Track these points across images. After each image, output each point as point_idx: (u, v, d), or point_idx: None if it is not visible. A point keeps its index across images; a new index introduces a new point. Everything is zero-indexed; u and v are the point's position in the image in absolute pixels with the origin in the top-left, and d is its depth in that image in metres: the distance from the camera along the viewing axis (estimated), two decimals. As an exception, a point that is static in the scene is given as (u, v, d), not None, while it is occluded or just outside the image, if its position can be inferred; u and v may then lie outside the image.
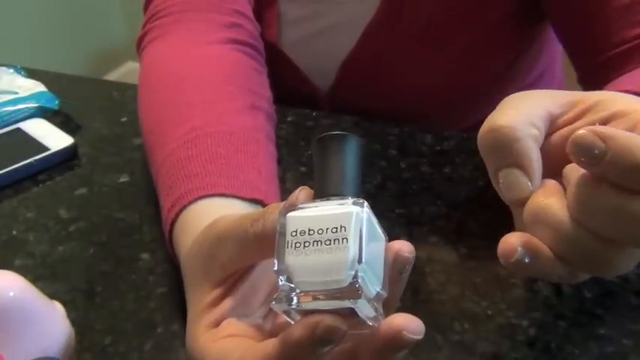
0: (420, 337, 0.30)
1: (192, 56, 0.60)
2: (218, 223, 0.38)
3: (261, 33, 0.68)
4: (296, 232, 0.31)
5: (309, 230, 0.30)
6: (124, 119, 0.69)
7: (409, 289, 0.46)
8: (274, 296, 0.31)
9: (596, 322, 0.44)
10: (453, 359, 0.42)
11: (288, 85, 0.59)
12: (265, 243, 0.34)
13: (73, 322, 0.39)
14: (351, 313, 0.30)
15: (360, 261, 0.29)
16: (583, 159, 0.29)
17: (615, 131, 0.29)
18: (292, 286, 0.30)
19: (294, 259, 0.30)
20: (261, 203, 0.45)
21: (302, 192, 0.33)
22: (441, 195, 0.55)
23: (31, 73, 0.76)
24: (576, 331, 0.43)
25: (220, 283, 0.36)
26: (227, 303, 0.36)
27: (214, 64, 0.58)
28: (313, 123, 0.67)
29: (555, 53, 0.83)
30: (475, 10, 0.68)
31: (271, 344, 0.32)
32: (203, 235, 0.39)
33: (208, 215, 0.42)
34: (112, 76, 2.55)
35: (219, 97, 0.54)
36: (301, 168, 0.60)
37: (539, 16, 0.71)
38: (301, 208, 0.32)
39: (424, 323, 0.44)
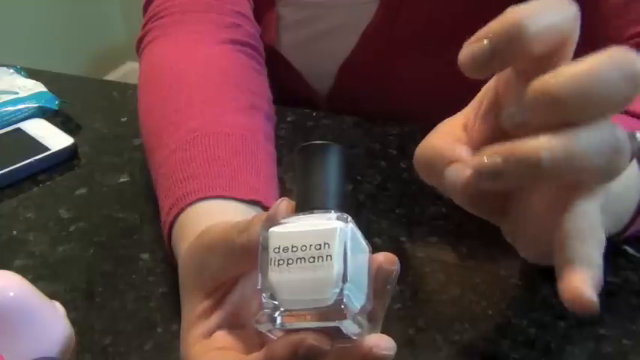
0: (390, 352, 0.31)
1: (192, 56, 0.59)
2: (207, 233, 0.38)
3: (260, 35, 0.68)
4: (279, 248, 0.30)
5: (292, 247, 0.30)
6: (124, 119, 0.69)
7: (409, 289, 0.47)
8: (257, 315, 0.30)
9: (596, 322, 0.44)
10: (453, 359, 0.42)
11: (287, 88, 0.59)
12: (251, 254, 0.33)
13: (73, 322, 0.39)
14: (336, 330, 0.30)
15: (345, 280, 0.29)
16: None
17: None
18: (276, 303, 0.30)
19: (277, 276, 0.30)
20: (260, 205, 0.45)
21: (282, 204, 0.32)
22: (440, 195, 0.55)
23: (31, 73, 0.76)
24: (576, 331, 0.43)
25: (211, 294, 0.36)
26: (218, 314, 0.36)
27: (214, 64, 0.58)
28: (313, 123, 0.67)
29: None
30: (473, 12, 0.68)
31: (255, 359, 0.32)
32: (194, 243, 0.38)
33: (207, 217, 0.42)
34: (112, 76, 2.55)
35: (218, 98, 0.54)
36: (301, 168, 0.60)
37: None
38: (284, 223, 0.31)
39: (424, 323, 0.44)
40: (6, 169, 0.59)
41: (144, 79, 0.60)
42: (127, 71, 2.58)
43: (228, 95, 0.55)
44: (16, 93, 0.70)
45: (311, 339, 0.29)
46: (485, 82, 0.66)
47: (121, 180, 0.59)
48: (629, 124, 0.44)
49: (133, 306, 0.46)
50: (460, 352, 0.42)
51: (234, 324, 0.36)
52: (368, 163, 0.60)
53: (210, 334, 0.36)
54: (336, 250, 0.29)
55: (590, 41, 0.59)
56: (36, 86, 0.71)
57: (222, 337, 0.36)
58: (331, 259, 0.29)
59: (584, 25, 0.61)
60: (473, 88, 0.80)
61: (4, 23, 2.05)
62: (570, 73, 0.30)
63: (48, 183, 0.60)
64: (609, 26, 0.57)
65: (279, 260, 0.30)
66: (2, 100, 0.68)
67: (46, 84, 0.72)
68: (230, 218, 0.39)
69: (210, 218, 0.41)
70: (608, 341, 0.42)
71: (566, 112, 0.30)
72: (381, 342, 0.31)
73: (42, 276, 0.49)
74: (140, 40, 0.66)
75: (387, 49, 0.70)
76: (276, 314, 0.30)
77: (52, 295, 0.39)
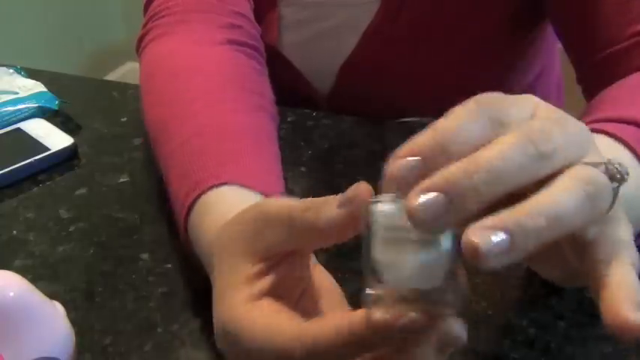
0: (463, 337, 0.31)
1: (197, 54, 0.60)
2: (266, 204, 0.37)
3: (261, 35, 0.68)
4: (386, 228, 0.30)
5: (400, 228, 0.30)
6: (124, 119, 0.69)
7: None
8: (364, 290, 0.30)
9: (596, 322, 0.44)
10: (453, 359, 0.42)
11: (287, 88, 0.59)
12: (315, 234, 0.34)
13: (73, 322, 0.39)
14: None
15: (453, 266, 0.29)
16: None
17: None
18: (380, 281, 0.30)
19: (383, 255, 0.30)
20: None
21: (362, 187, 0.33)
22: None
23: (31, 73, 0.76)
24: (576, 331, 0.43)
25: (263, 260, 0.36)
26: (269, 279, 0.36)
27: (219, 64, 0.59)
28: (313, 123, 0.67)
29: (554, 53, 0.83)
30: (474, 13, 0.68)
31: (342, 322, 0.31)
32: (247, 213, 0.38)
33: (233, 200, 0.43)
34: (112, 76, 2.55)
35: (226, 97, 0.55)
36: (301, 168, 0.60)
37: (538, 16, 0.71)
38: (384, 202, 0.31)
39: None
40: (6, 169, 0.59)
41: (146, 77, 0.60)
42: (127, 71, 2.58)
43: (234, 95, 0.55)
44: (16, 93, 0.70)
45: (413, 314, 0.29)
46: (487, 84, 0.65)
47: (121, 180, 0.59)
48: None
49: (133, 306, 0.46)
50: (460, 352, 0.42)
51: (280, 294, 0.36)
52: (368, 163, 0.60)
53: (259, 297, 0.35)
54: (446, 235, 0.30)
55: (591, 41, 0.59)
56: (36, 86, 0.71)
57: (269, 303, 0.35)
58: (440, 245, 0.29)
59: (584, 26, 0.61)
60: (473, 88, 0.80)
61: (4, 23, 2.05)
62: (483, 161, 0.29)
63: (48, 183, 0.60)
64: (610, 24, 0.57)
65: (386, 239, 0.30)
66: (2, 100, 0.68)
67: (45, 84, 0.72)
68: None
69: (235, 201, 0.41)
70: (608, 341, 0.42)
71: (482, 199, 0.29)
72: (455, 325, 0.31)
73: (42, 276, 0.49)
74: (141, 39, 0.66)
75: (387, 49, 0.70)
76: (379, 292, 0.30)
77: (52, 295, 0.39)
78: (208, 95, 0.54)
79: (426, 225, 0.28)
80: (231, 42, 0.62)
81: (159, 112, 0.55)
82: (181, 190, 0.47)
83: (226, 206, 0.42)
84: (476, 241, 0.27)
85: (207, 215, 0.44)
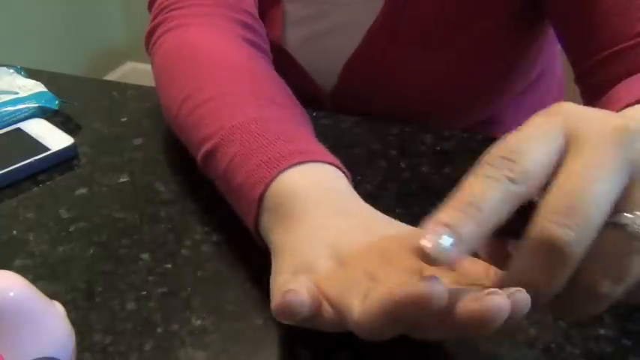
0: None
1: (222, 47, 0.60)
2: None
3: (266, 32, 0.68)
4: None
5: None
6: (124, 119, 0.69)
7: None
8: None
9: (597, 322, 0.44)
10: (453, 359, 0.42)
11: (291, 85, 0.59)
12: None
13: (73, 322, 0.39)
14: None
15: None
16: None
17: None
18: None
19: None
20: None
21: None
22: (440, 195, 0.55)
23: (31, 73, 0.76)
24: (576, 331, 0.43)
25: None
26: None
27: (242, 58, 0.59)
28: (313, 123, 0.67)
29: (555, 52, 0.83)
30: (477, 12, 0.68)
31: None
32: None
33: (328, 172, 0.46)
34: (112, 76, 2.55)
35: (256, 92, 0.55)
36: (301, 168, 0.60)
37: (539, 15, 0.71)
38: None
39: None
40: (6, 169, 0.59)
41: (166, 68, 0.60)
42: (126, 71, 2.59)
43: (268, 87, 0.56)
44: (16, 93, 0.70)
45: None
46: (489, 83, 0.65)
47: (121, 180, 0.59)
48: None
49: (133, 306, 0.46)
50: (460, 352, 0.42)
51: None
52: (368, 163, 0.60)
53: None
54: None
55: (593, 41, 0.59)
56: (36, 86, 0.71)
57: None
58: None
59: (585, 25, 0.61)
60: (476, 86, 0.80)
61: (4, 23, 2.05)
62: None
63: (48, 183, 0.60)
64: (611, 24, 0.57)
65: None
66: (2, 100, 0.68)
67: (45, 84, 0.72)
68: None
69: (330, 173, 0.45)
70: (608, 341, 0.42)
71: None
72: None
73: (42, 276, 0.49)
74: (152, 32, 0.65)
75: (392, 46, 0.70)
76: None
77: (52, 295, 0.39)
78: (250, 89, 0.54)
79: None
80: (246, 40, 0.62)
81: (215, 88, 0.54)
82: (272, 154, 0.46)
83: (325, 176, 0.46)
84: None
85: (309, 174, 0.45)
